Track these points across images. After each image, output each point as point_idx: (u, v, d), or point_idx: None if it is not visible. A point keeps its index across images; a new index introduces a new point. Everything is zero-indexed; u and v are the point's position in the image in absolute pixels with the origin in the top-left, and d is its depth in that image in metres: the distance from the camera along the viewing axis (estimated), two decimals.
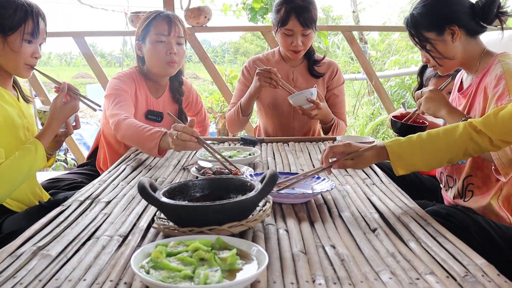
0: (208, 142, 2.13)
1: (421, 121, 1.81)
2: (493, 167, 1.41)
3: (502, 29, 1.54)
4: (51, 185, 1.87)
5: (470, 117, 1.49)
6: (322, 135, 2.34)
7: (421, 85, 2.22)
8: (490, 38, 1.65)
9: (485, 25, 1.53)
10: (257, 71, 2.04)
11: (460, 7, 1.51)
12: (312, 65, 2.26)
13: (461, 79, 1.71)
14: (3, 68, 1.56)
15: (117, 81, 2.00)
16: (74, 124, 1.73)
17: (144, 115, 2.08)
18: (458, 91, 1.68)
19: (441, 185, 1.76)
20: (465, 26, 1.52)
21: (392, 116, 1.83)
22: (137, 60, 2.12)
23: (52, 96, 2.86)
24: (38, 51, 1.59)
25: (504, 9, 1.52)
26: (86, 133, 5.91)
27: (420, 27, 1.56)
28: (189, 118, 2.31)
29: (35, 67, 1.60)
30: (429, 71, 2.21)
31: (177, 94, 2.20)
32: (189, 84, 2.33)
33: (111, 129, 1.90)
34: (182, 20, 2.09)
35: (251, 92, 2.12)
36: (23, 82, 1.75)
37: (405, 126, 1.75)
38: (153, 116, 2.10)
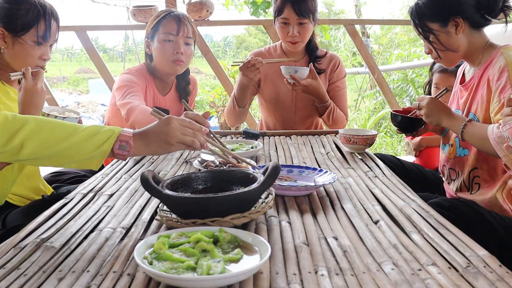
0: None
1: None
2: (503, 162, 1.40)
3: (506, 22, 1.53)
4: (54, 179, 1.88)
5: (471, 120, 1.48)
6: (325, 129, 2.34)
7: (431, 80, 2.25)
8: (493, 31, 1.64)
9: (489, 18, 1.52)
10: (239, 67, 2.07)
11: None
12: (313, 61, 2.25)
13: (463, 72, 1.70)
14: (10, 66, 1.55)
15: (128, 76, 2.04)
16: None
17: None
18: (460, 83, 1.68)
19: (443, 178, 1.76)
20: (469, 18, 1.51)
21: (393, 110, 1.83)
22: (145, 57, 2.15)
23: (54, 90, 2.86)
24: (48, 53, 1.57)
25: (509, 3, 1.51)
26: None
27: (424, 17, 1.55)
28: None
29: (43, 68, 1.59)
30: (436, 66, 2.22)
31: (183, 93, 2.22)
32: (194, 79, 2.35)
33: (117, 122, 1.97)
34: (192, 20, 2.12)
35: (243, 82, 2.13)
36: None
37: (405, 119, 1.75)
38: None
